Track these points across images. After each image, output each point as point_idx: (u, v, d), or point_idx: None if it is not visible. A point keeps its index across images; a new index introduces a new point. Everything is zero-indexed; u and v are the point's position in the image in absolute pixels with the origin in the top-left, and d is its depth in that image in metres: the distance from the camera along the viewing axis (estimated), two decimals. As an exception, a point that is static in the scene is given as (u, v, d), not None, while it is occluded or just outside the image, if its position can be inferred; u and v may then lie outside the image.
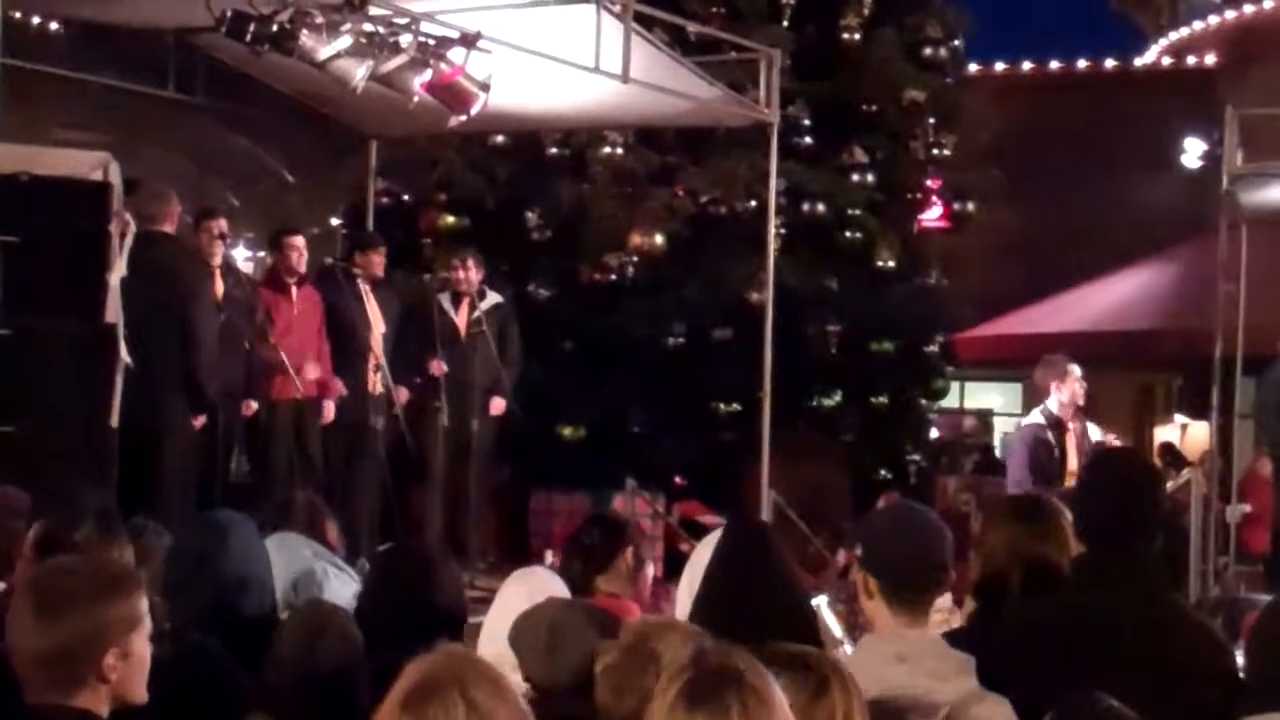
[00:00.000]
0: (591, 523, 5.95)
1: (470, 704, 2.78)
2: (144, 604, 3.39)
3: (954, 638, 3.98)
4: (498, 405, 11.42)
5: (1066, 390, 10.15)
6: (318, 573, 5.41)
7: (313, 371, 10.34)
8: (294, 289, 10.56)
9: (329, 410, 10.62)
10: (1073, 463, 9.93)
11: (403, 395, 11.06)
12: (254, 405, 10.18)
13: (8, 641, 3.29)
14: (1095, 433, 10.52)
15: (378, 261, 11.15)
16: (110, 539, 4.80)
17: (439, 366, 11.09)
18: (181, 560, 4.63)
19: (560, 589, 4.83)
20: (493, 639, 4.64)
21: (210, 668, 3.99)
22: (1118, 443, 11.42)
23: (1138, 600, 3.95)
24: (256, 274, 11.59)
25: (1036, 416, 10.24)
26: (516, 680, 4.24)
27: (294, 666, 3.98)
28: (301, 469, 10.45)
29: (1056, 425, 10.07)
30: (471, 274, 11.41)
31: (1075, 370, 10.25)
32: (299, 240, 10.64)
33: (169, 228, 9.43)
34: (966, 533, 4.70)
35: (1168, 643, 3.89)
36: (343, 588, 5.09)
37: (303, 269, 10.61)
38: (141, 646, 3.32)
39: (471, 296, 11.40)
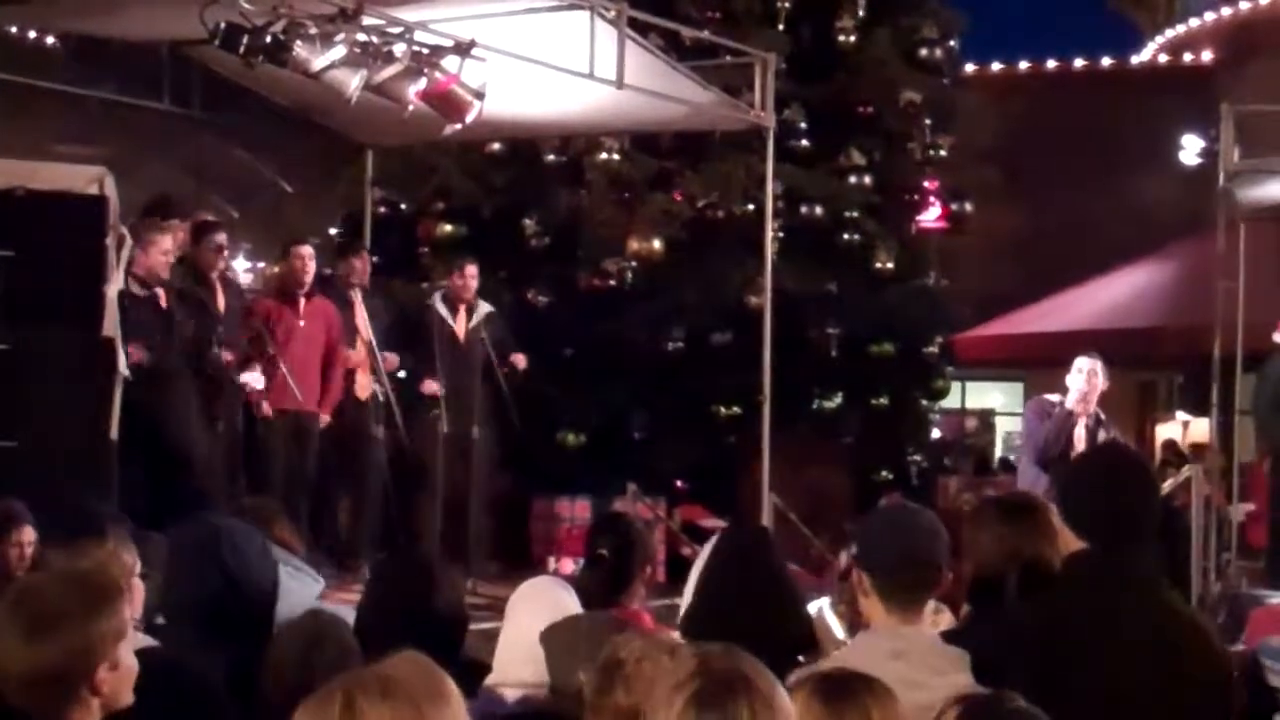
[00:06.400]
0: (603, 532, 5.84)
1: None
2: (128, 612, 3.38)
3: (948, 639, 3.99)
4: (520, 359, 11.43)
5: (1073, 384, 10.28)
6: None
7: (255, 380, 10.23)
8: (302, 301, 10.58)
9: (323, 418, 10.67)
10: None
11: (391, 361, 11.09)
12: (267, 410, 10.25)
13: None
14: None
15: (360, 267, 11.19)
16: (101, 544, 4.78)
17: (431, 386, 11.08)
18: (178, 560, 4.61)
19: (571, 598, 4.83)
20: (510, 648, 4.63)
21: (183, 680, 3.96)
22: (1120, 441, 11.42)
23: (1129, 598, 3.93)
24: (256, 284, 11.63)
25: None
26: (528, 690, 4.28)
27: (291, 677, 3.97)
28: (299, 479, 10.47)
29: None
30: (472, 282, 11.44)
31: (1078, 364, 10.34)
32: (306, 250, 10.67)
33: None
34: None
35: (1159, 640, 3.88)
36: (301, 587, 5.05)
37: (309, 278, 10.62)
38: (128, 655, 3.31)
39: (468, 304, 11.43)
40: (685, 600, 5.18)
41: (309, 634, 4.09)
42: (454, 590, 4.57)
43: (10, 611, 3.24)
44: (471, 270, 11.49)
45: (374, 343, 10.88)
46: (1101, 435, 10.25)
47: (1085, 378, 10.29)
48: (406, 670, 2.76)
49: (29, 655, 3.18)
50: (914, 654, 3.72)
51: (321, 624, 4.19)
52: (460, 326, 11.38)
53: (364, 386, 10.97)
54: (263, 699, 3.99)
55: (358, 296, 11.03)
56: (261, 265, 14.63)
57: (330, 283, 11.11)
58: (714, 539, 5.17)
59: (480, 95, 8.85)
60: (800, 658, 4.38)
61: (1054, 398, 10.42)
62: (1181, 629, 3.94)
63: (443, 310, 11.38)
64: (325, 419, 10.66)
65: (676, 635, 4.81)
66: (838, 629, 6.50)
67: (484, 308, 11.53)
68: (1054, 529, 4.29)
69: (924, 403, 16.27)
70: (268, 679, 4.02)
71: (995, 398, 23.69)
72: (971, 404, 23.25)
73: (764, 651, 3.10)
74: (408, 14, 8.54)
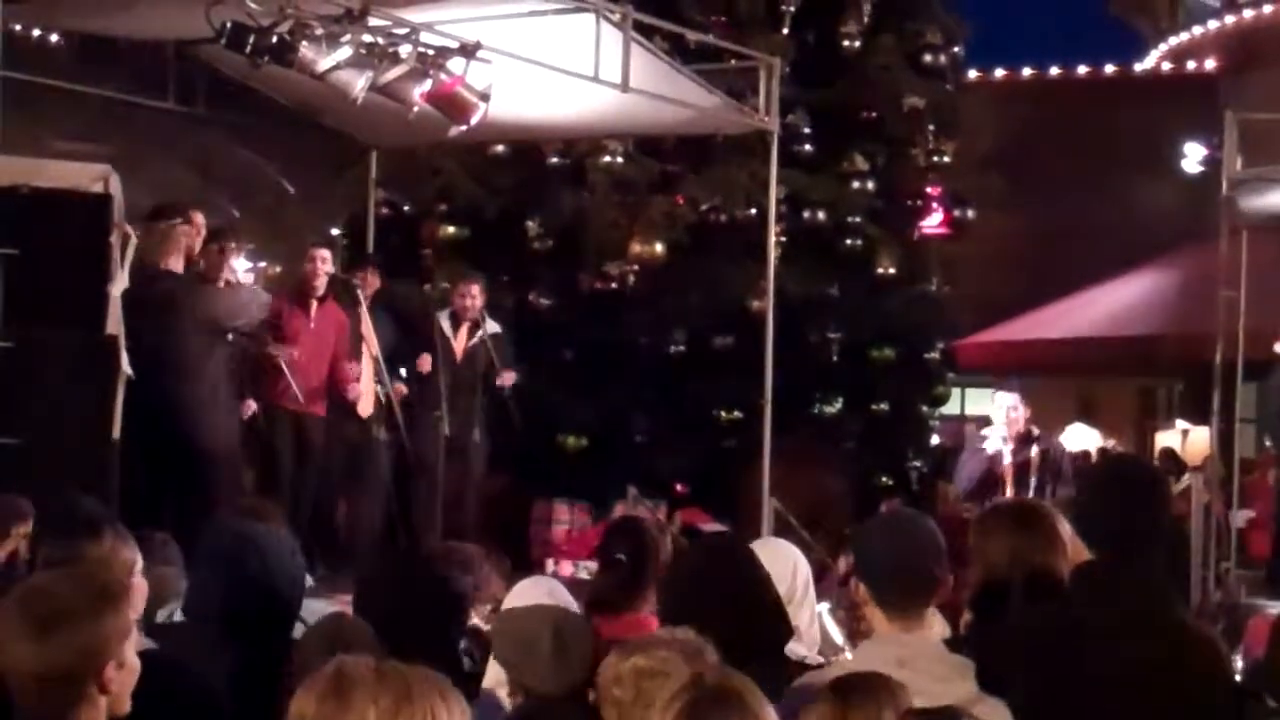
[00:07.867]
0: (620, 536, 5.79)
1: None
2: (132, 612, 3.38)
3: (952, 646, 3.99)
4: (508, 377, 11.29)
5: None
6: None
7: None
8: (314, 304, 10.56)
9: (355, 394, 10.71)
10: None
11: (399, 390, 11.08)
12: (253, 405, 10.21)
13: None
14: (1090, 441, 10.71)
15: (371, 281, 11.20)
16: (98, 542, 4.76)
17: (426, 362, 11.03)
18: (206, 566, 4.60)
19: (564, 596, 4.82)
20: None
21: (183, 684, 3.94)
22: (1119, 449, 11.45)
23: (1139, 607, 3.94)
24: (258, 283, 11.61)
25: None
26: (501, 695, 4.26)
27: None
28: (299, 481, 10.46)
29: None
30: (477, 301, 11.34)
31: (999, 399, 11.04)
32: (321, 253, 10.66)
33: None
34: (967, 540, 4.67)
35: (1168, 650, 3.88)
36: None
37: (322, 282, 10.58)
38: (132, 655, 3.30)
39: (472, 322, 11.35)
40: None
41: (333, 637, 4.09)
42: (453, 585, 4.54)
43: (17, 612, 3.23)
44: (474, 290, 11.37)
45: (379, 356, 10.81)
46: (1034, 451, 10.77)
47: (1005, 413, 10.91)
48: (408, 665, 2.83)
49: (38, 655, 3.16)
50: (919, 661, 3.72)
51: (346, 627, 4.19)
52: (460, 344, 11.31)
53: (365, 406, 10.91)
54: (287, 701, 3.99)
55: (365, 305, 10.99)
56: (263, 265, 14.62)
57: (344, 287, 11.08)
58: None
59: (485, 97, 8.85)
60: (807, 662, 4.37)
61: (987, 432, 11.12)
62: (1189, 640, 3.94)
63: (445, 327, 11.30)
64: (355, 390, 10.68)
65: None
66: (836, 634, 6.51)
67: (489, 328, 11.31)
68: (1062, 538, 4.29)
69: (924, 409, 16.29)
70: (292, 682, 4.01)
71: (995, 404, 23.62)
72: (971, 410, 23.19)
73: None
74: (414, 15, 8.55)
